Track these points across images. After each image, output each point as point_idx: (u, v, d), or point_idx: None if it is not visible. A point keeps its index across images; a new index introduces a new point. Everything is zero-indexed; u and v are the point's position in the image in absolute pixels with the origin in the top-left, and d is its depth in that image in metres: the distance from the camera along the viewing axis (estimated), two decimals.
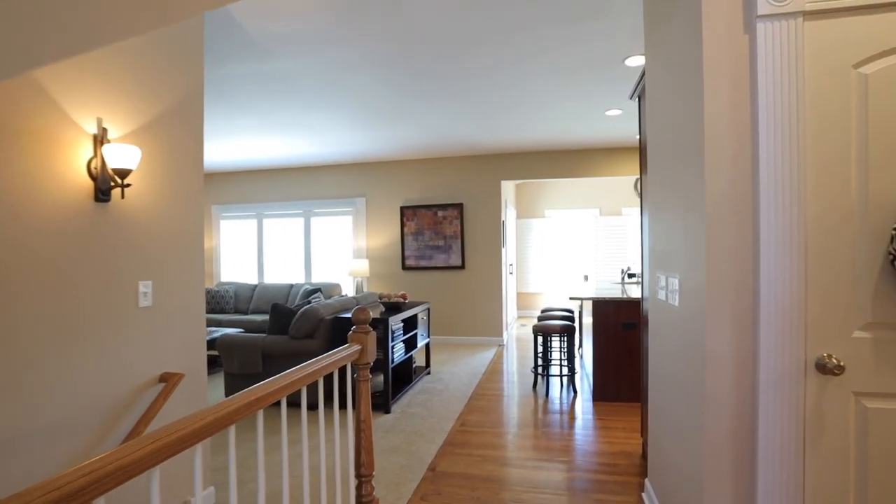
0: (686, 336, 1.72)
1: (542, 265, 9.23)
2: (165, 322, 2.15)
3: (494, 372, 5.17)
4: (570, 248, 9.05)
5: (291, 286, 6.95)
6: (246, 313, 6.95)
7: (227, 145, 5.91)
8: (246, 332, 6.24)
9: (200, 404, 2.36)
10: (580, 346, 6.26)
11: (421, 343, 4.78)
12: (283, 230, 7.53)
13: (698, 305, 1.57)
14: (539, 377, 4.74)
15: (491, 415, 3.83)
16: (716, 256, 1.48)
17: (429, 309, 5.09)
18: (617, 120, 4.98)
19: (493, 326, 6.65)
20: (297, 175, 7.45)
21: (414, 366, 4.78)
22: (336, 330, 4.00)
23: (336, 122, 4.97)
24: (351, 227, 7.23)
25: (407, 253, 6.96)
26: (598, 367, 4.09)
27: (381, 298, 4.47)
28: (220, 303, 6.88)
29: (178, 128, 2.22)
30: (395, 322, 4.15)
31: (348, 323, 3.95)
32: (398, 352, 4.21)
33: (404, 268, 6.95)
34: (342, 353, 1.81)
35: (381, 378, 4.56)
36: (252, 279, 7.68)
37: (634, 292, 4.48)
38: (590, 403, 4.05)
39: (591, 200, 9.03)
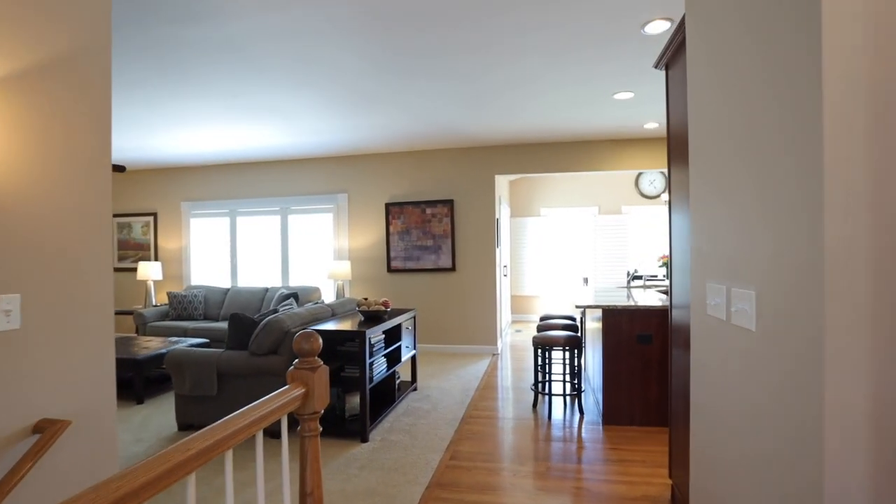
0: (773, 372, 1.18)
1: (538, 266, 8.71)
2: (44, 350, 1.58)
3: (489, 387, 4.62)
4: (567, 249, 8.54)
5: (266, 290, 6.36)
6: (216, 320, 6.35)
7: (194, 135, 5.31)
8: (212, 341, 5.65)
9: (105, 459, 1.79)
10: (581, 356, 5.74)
11: (406, 356, 4.22)
12: (259, 229, 6.93)
13: (805, 336, 1.03)
14: (539, 395, 4.20)
15: (486, 443, 3.28)
16: (844, 269, 0.94)
17: (415, 317, 4.54)
18: (627, 105, 4.46)
19: (486, 334, 6.11)
20: (273, 169, 6.85)
21: (398, 381, 4.23)
22: None
23: (310, 107, 4.40)
24: (332, 225, 6.65)
25: (393, 254, 6.39)
26: (608, 385, 3.55)
27: (359, 307, 3.91)
28: (188, 309, 6.27)
29: (63, 88, 1.64)
30: (375, 334, 3.59)
31: (328, 336, 3.38)
32: (378, 368, 3.65)
33: (390, 270, 6.39)
34: (276, 403, 1.25)
35: (357, 399, 3.99)
36: (225, 282, 7.07)
37: (641, 298, 3.95)
38: (599, 428, 3.52)
39: (590, 198, 8.53)
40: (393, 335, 4.09)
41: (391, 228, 6.40)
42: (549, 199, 8.75)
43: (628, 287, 5.18)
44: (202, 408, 3.43)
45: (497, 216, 6.27)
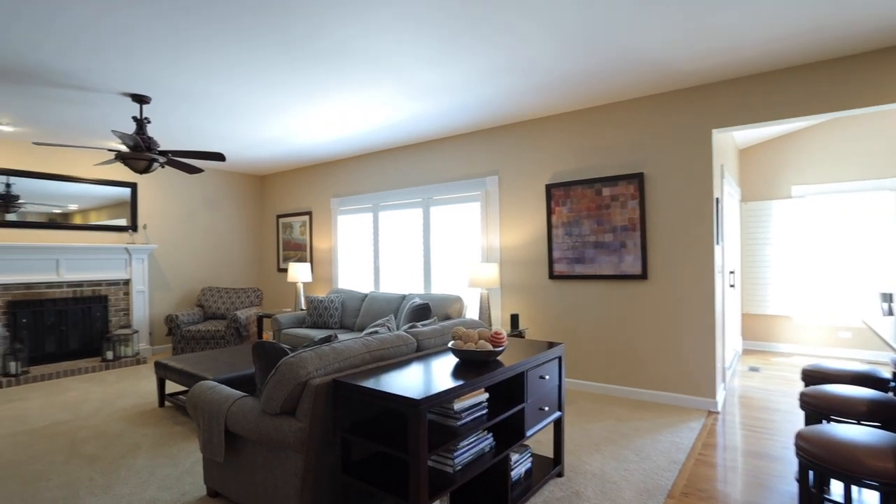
0: None
1: (787, 273, 5.87)
2: None
3: (700, 481, 2.59)
4: (842, 245, 5.50)
5: (403, 298, 5.31)
6: (352, 329, 5.56)
7: (314, 112, 4.52)
8: None
9: None
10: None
11: (537, 426, 2.53)
12: (400, 225, 5.96)
13: None
14: None
15: None
16: None
17: (560, 358, 2.78)
18: None
19: (697, 377, 3.92)
20: (413, 153, 5.79)
21: (518, 466, 2.57)
22: (342, 404, 2.06)
23: (420, 43, 3.06)
24: (479, 218, 5.25)
25: (556, 254, 4.67)
26: None
27: (454, 339, 2.39)
28: (324, 316, 5.62)
29: None
30: (461, 404, 2.04)
31: (368, 397, 1.97)
32: (466, 454, 2.08)
33: (552, 276, 4.67)
34: None
35: None
36: (368, 286, 6.31)
37: None
38: None
39: (884, 165, 5.34)
40: (509, 391, 2.45)
41: (554, 218, 4.68)
42: (808, 171, 5.80)
43: None
44: (226, 472, 2.36)
45: (716, 195, 4.00)
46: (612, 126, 4.34)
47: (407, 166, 5.84)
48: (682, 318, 3.98)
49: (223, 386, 2.50)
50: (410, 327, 3.07)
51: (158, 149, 4.02)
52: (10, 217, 5.29)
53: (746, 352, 6.04)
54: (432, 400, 1.83)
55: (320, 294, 6.82)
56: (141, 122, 4.00)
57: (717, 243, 4.02)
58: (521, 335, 4.52)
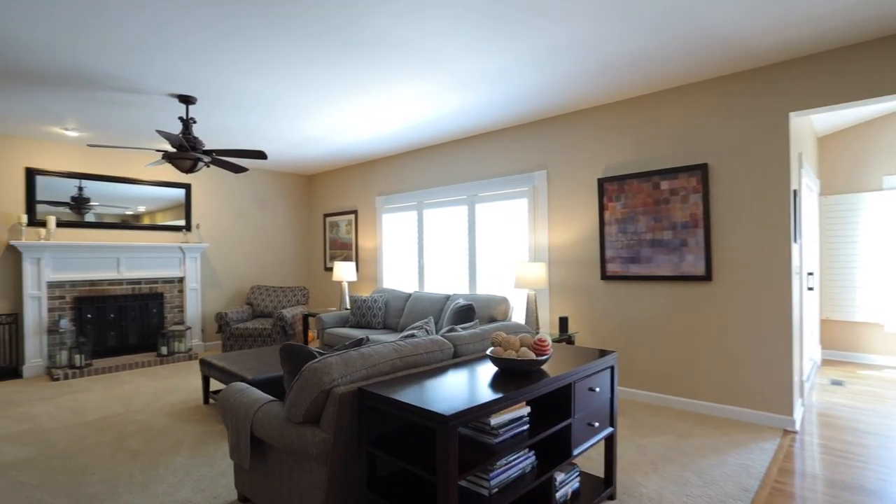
0: None
1: (876, 275, 5.24)
2: None
3: None
4: None
5: (448, 298, 5.15)
6: (395, 330, 5.46)
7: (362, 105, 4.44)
8: None
9: None
10: None
11: (584, 445, 2.28)
12: (445, 222, 5.80)
13: None
14: None
15: None
16: None
17: (613, 368, 2.51)
18: None
19: (769, 391, 3.50)
20: (458, 149, 5.61)
21: (574, 484, 2.33)
22: (368, 414, 1.91)
23: (463, 32, 2.89)
24: (526, 215, 5.00)
25: (609, 253, 4.35)
26: None
27: (493, 346, 2.19)
28: (367, 315, 5.55)
29: None
30: (499, 419, 1.84)
31: (393, 409, 1.81)
32: (504, 474, 1.88)
33: (605, 277, 4.36)
34: None
35: None
36: (412, 286, 6.20)
37: None
38: None
39: None
40: (554, 405, 2.21)
41: (607, 215, 4.36)
42: None
43: None
44: (254, 479, 2.28)
45: (794, 187, 3.56)
46: (673, 113, 3.97)
47: (451, 163, 5.67)
48: (752, 323, 3.57)
49: (254, 389, 2.42)
50: (449, 331, 2.89)
51: (203, 148, 4.06)
52: (87, 218, 5.57)
53: (826, 362, 5.43)
54: (464, 416, 1.64)
55: (365, 293, 6.79)
56: (187, 123, 4.05)
57: (795, 241, 3.57)
58: (570, 340, 4.24)
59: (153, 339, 6.03)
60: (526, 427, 2.02)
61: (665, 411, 3.84)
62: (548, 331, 4.56)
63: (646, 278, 4.11)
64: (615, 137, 4.31)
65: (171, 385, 4.80)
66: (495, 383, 1.97)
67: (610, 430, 2.47)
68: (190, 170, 4.06)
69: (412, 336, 2.87)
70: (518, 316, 4.99)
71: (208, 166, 4.30)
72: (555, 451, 2.17)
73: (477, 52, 3.21)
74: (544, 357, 2.10)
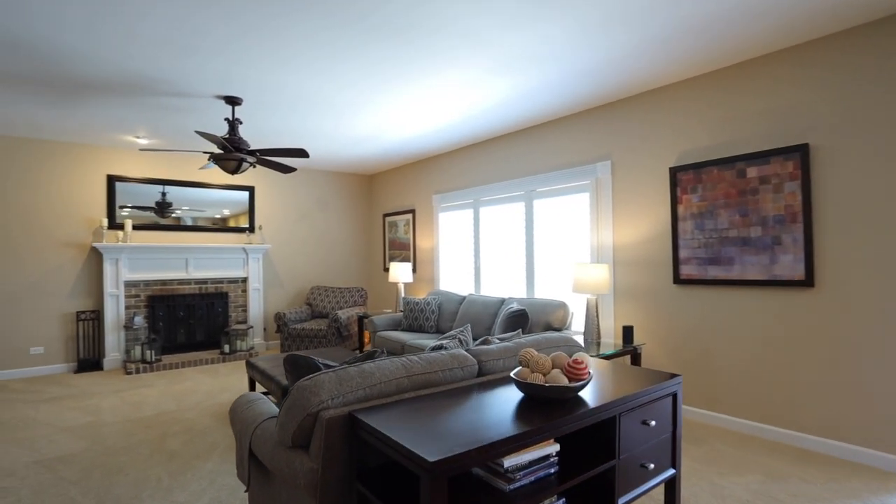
0: None
1: None
2: None
3: None
4: None
5: (502, 302, 4.79)
6: (446, 333, 5.17)
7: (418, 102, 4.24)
8: None
9: None
10: None
11: (634, 492, 1.84)
12: (502, 220, 5.43)
13: None
14: None
15: None
16: None
17: (675, 395, 2.04)
18: None
19: (892, 425, 2.78)
20: (516, 141, 5.22)
21: None
22: (358, 443, 1.63)
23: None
24: (588, 211, 4.51)
25: (683, 253, 3.77)
26: None
27: (520, 364, 1.83)
28: (420, 319, 5.33)
29: None
30: (514, 460, 1.48)
31: (378, 441, 1.52)
32: None
33: (678, 280, 3.78)
34: None
35: None
36: (468, 288, 5.89)
37: None
38: None
39: None
40: (594, 441, 1.80)
41: (680, 209, 3.79)
42: None
43: None
44: (261, 498, 2.10)
45: None
46: (762, 86, 3.32)
47: (507, 157, 5.30)
48: (871, 340, 2.87)
49: (264, 400, 2.25)
50: (482, 342, 2.56)
51: (248, 149, 4.04)
52: (169, 222, 5.90)
53: None
54: (455, 462, 1.31)
55: (421, 295, 6.59)
56: (233, 124, 4.05)
57: None
58: (635, 353, 3.72)
59: (218, 338, 6.25)
60: (554, 470, 1.65)
61: (753, 442, 3.22)
62: (611, 341, 4.06)
63: (728, 282, 3.49)
64: (690, 120, 3.72)
65: (225, 384, 4.88)
66: (519, 414, 1.62)
67: (671, 472, 2.01)
68: (235, 171, 4.06)
69: (440, 347, 2.57)
70: (578, 323, 4.52)
71: (254, 167, 4.29)
72: (594, 499, 1.77)
73: (518, 29, 2.84)
74: (580, 383, 1.71)
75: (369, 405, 1.70)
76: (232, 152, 3.94)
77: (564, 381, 1.72)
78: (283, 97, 4.02)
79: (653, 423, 1.91)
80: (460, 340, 2.79)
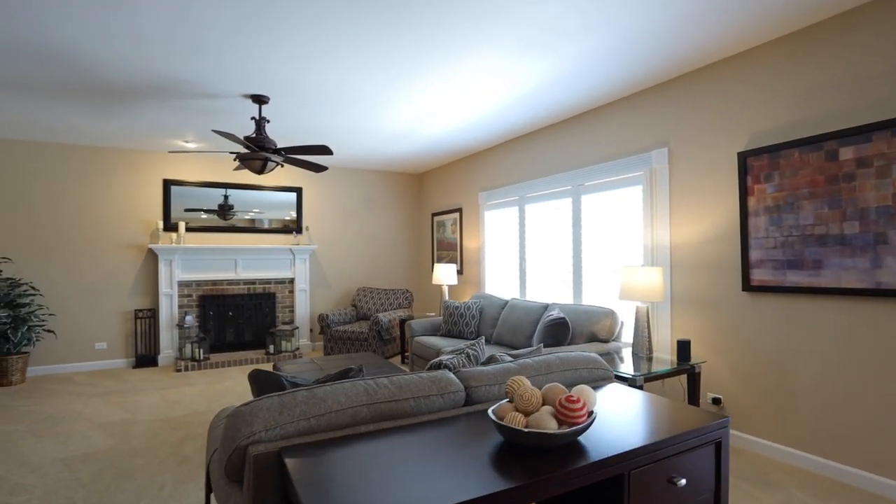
0: None
1: None
2: None
3: None
4: None
5: (545, 307, 4.36)
6: (488, 341, 4.82)
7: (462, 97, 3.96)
8: None
9: None
10: None
11: None
12: (548, 218, 4.98)
13: None
14: None
15: None
16: None
17: (720, 443, 1.56)
18: None
19: None
20: (562, 132, 4.74)
21: None
22: (291, 485, 1.35)
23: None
24: (641, 206, 3.96)
25: (755, 254, 3.15)
26: None
27: (506, 396, 1.46)
28: (459, 324, 5.01)
29: None
30: None
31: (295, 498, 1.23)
32: None
33: (748, 287, 3.16)
34: None
35: None
36: (513, 290, 5.48)
37: None
38: None
39: None
40: (602, 502, 1.39)
41: (752, 201, 3.17)
42: None
43: None
44: None
45: None
46: (856, 45, 2.66)
47: (552, 149, 4.84)
48: None
49: None
50: (489, 360, 2.20)
51: (273, 147, 3.94)
52: (230, 223, 6.07)
53: None
54: None
55: (466, 297, 6.26)
56: (259, 123, 3.97)
57: None
58: (692, 372, 3.15)
59: (264, 338, 6.31)
60: None
61: (841, 491, 2.57)
62: (666, 357, 3.50)
63: (814, 290, 2.84)
64: (763, 94, 3.09)
65: None
66: (495, 464, 1.26)
67: None
68: (261, 170, 3.97)
69: (439, 365, 2.25)
70: (629, 334, 3.98)
71: (282, 166, 4.19)
72: None
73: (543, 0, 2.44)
74: (570, 430, 1.31)
75: (310, 440, 1.42)
76: (256, 152, 3.86)
77: (552, 425, 1.33)
78: (308, 92, 3.88)
79: (682, 481, 1.46)
80: (468, 356, 2.44)
